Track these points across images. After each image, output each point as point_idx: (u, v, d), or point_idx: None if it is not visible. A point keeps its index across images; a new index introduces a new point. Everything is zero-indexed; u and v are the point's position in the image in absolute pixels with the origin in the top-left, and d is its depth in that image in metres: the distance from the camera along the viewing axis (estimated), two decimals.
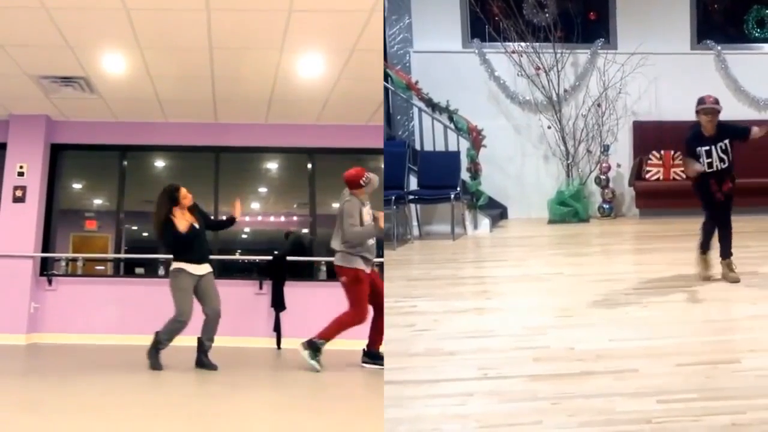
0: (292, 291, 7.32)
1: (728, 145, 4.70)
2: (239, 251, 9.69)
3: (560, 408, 2.79)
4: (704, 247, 4.84)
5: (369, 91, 6.70)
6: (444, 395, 3.00)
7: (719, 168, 4.69)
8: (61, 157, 7.94)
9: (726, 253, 4.79)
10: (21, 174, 7.52)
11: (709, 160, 4.66)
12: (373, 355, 5.32)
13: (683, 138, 4.82)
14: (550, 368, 3.22)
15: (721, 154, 4.68)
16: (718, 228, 4.78)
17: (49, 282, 7.51)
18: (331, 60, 5.95)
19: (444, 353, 3.51)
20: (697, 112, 4.70)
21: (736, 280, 4.66)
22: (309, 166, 8.08)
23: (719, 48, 7.92)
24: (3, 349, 6.47)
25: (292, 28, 5.27)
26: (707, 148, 4.68)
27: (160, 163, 8.52)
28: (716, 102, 4.69)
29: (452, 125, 7.09)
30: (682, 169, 6.92)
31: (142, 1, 4.85)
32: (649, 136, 7.71)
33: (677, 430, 2.55)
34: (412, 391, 3.06)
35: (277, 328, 7.20)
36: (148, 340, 5.26)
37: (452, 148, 7.10)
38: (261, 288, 7.51)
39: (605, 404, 2.79)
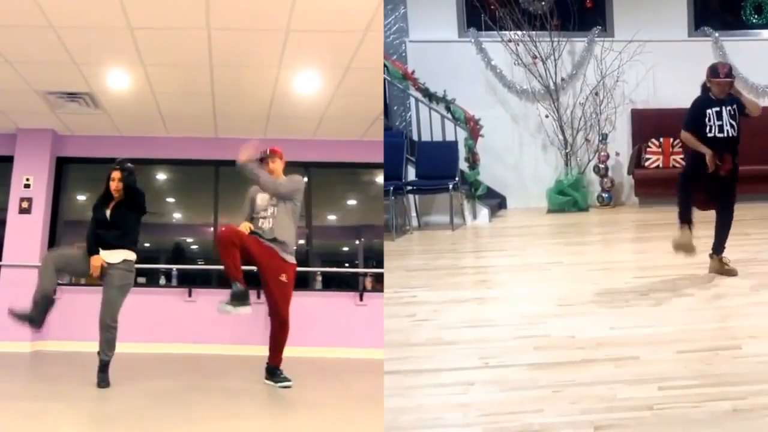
0: None
1: (737, 110, 4.27)
2: None
3: (561, 396, 2.79)
4: (686, 217, 4.35)
5: (364, 107, 6.77)
6: (445, 384, 3.00)
7: (730, 135, 4.26)
8: (66, 170, 8.02)
9: (720, 248, 4.43)
10: (27, 186, 7.60)
11: (720, 122, 4.25)
12: (271, 371, 4.68)
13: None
14: (550, 356, 3.22)
15: (731, 120, 4.26)
16: (717, 212, 4.43)
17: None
18: (328, 77, 6.05)
19: (444, 343, 3.52)
20: (708, 82, 4.29)
21: (734, 273, 4.38)
22: (305, 179, 8.09)
23: (717, 35, 7.87)
24: (7, 357, 6.48)
25: (290, 47, 5.37)
26: (717, 109, 4.26)
27: (161, 176, 8.59)
28: (730, 72, 4.29)
29: (449, 115, 7.07)
30: (682, 156, 6.89)
31: (146, 20, 4.93)
32: (648, 124, 7.68)
33: (678, 417, 2.55)
34: (413, 380, 3.06)
35: None
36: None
37: (450, 138, 7.09)
38: (259, 297, 7.52)
39: (606, 392, 2.79)
